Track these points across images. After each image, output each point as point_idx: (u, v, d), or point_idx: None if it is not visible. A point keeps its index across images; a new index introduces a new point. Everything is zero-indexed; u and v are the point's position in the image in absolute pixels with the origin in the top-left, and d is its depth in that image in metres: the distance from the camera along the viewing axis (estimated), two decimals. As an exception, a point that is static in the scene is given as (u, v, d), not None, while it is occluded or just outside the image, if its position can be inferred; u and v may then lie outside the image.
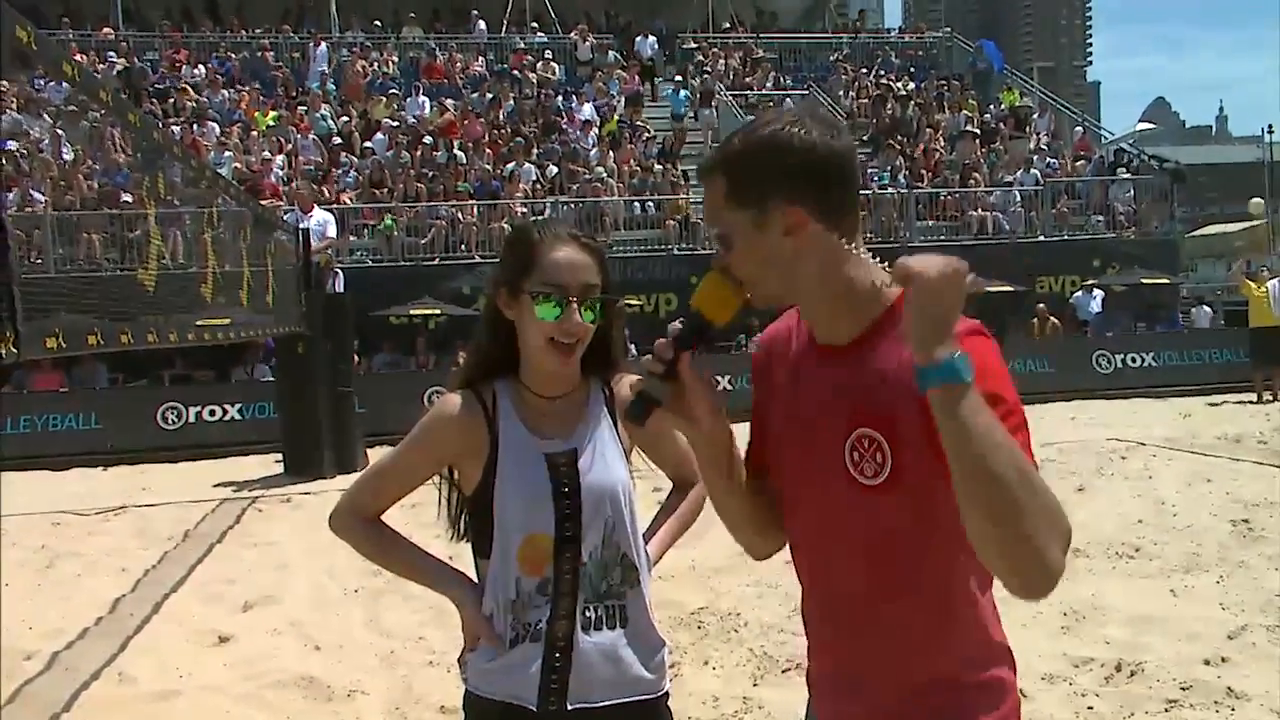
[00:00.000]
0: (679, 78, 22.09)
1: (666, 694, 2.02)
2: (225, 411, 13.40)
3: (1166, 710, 4.07)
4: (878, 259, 1.56)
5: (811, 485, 1.57)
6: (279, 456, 11.44)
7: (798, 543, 1.66)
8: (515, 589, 1.91)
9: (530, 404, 1.97)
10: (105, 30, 22.34)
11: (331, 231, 13.84)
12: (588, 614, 1.91)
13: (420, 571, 2.03)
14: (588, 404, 2.00)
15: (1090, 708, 4.14)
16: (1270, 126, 52.88)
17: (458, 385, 1.99)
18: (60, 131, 17.16)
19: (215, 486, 10.58)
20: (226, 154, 17.78)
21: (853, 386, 1.50)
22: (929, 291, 1.28)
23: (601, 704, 1.90)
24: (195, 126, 18.75)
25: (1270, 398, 14.30)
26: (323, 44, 22.43)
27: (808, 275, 1.51)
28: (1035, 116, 23.24)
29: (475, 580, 1.99)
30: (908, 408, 1.41)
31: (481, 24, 24.41)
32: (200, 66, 21.60)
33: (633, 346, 15.73)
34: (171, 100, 19.65)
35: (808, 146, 1.47)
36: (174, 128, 17.55)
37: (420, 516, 2.19)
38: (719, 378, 12.30)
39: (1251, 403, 14.22)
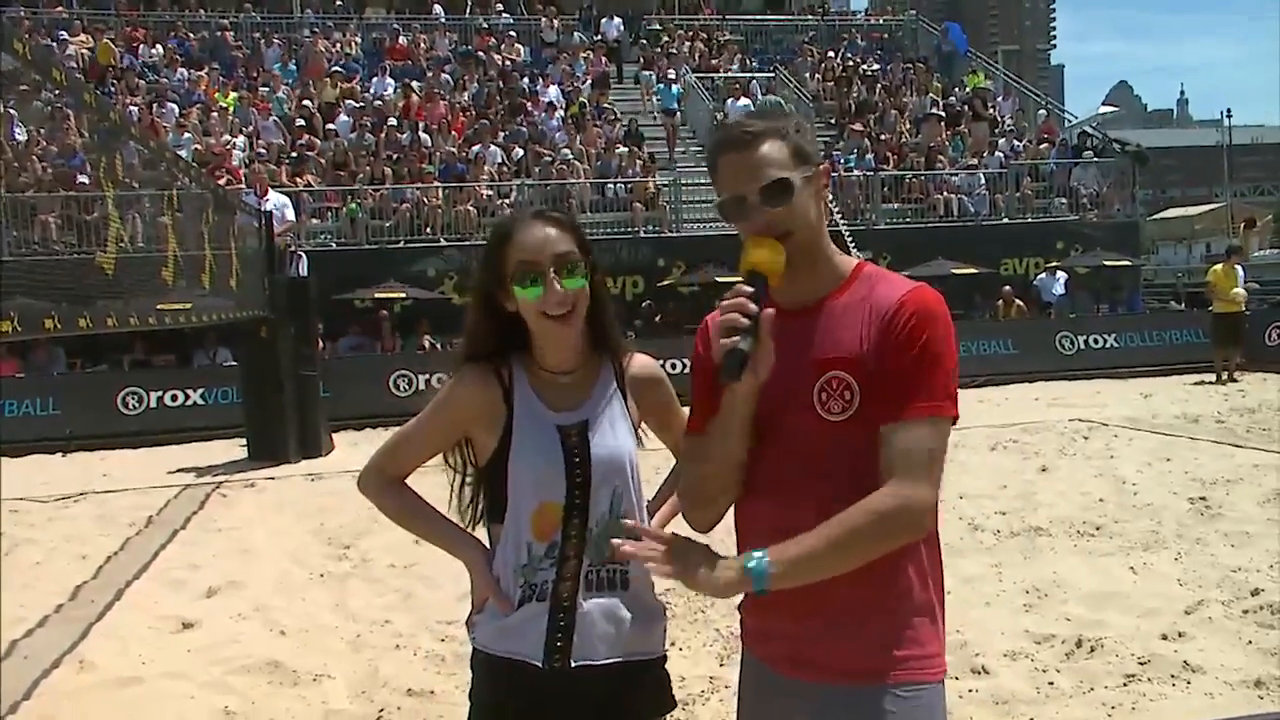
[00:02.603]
0: (671, 73, 21.72)
1: (665, 656, 2.12)
2: (187, 396, 13.22)
3: (1125, 684, 4.14)
4: (849, 236, 1.77)
5: (778, 426, 1.78)
6: (242, 441, 11.33)
7: (757, 482, 1.83)
8: (526, 553, 1.99)
9: (543, 380, 2.06)
10: (60, 9, 21.90)
11: (289, 215, 13.71)
12: (590, 577, 2.00)
13: (437, 534, 2.12)
14: (599, 379, 2.09)
15: (1051, 683, 4.20)
16: (1229, 110, 53.77)
17: (464, 360, 2.07)
18: (12, 111, 16.80)
19: (178, 472, 10.47)
20: (186, 135, 17.51)
21: (819, 339, 1.79)
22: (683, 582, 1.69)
23: (604, 662, 1.99)
24: (154, 107, 18.44)
25: (1228, 378, 14.54)
26: (275, 41, 22.07)
27: (818, 226, 1.85)
28: (1000, 99, 23.37)
29: (487, 545, 2.08)
30: (870, 356, 1.74)
31: (438, 7, 24.11)
32: (158, 46, 21.23)
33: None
34: (123, 80, 19.28)
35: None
36: (132, 108, 17.25)
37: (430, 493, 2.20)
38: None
39: (1210, 383, 14.44)
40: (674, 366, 15.24)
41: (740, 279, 1.75)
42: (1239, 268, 15.34)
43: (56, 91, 7.11)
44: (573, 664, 1.97)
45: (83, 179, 14.43)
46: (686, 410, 2.11)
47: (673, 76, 21.59)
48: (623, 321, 15.53)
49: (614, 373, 2.10)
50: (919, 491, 1.68)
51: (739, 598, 2.01)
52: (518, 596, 1.99)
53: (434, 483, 2.16)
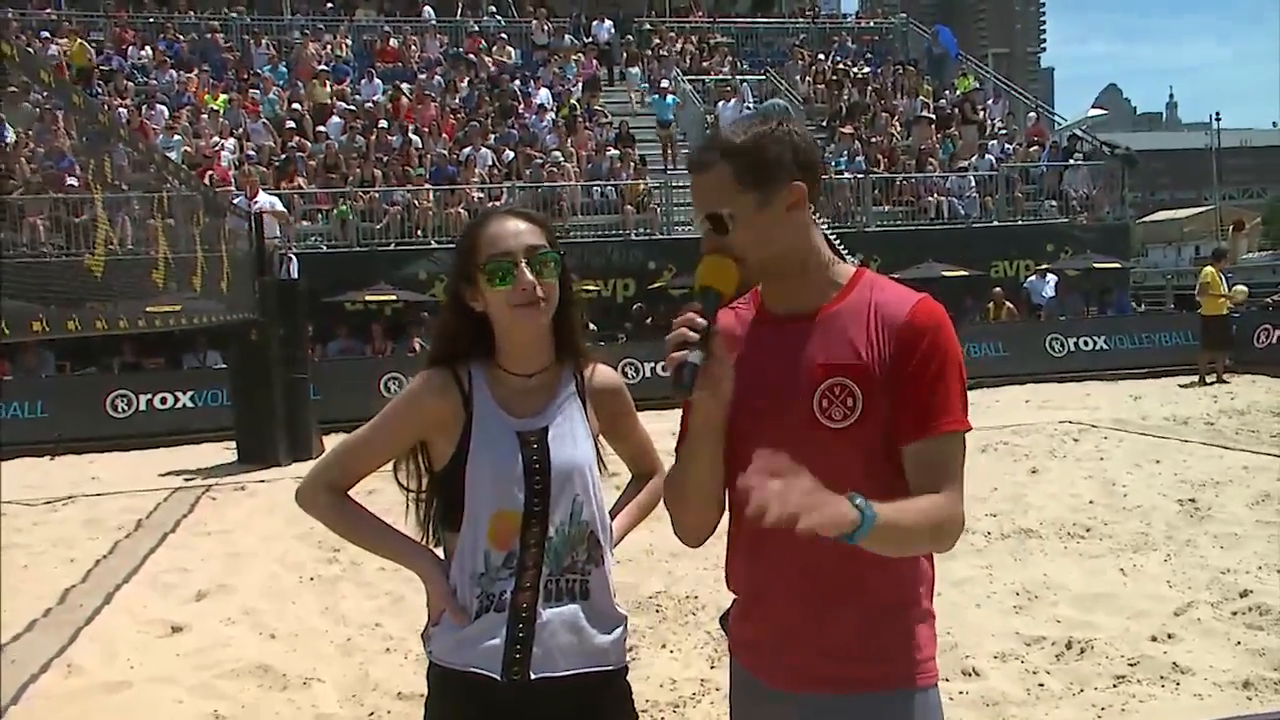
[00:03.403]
0: (665, 83, 21.53)
1: (626, 667, 2.07)
2: (177, 399, 13.18)
3: (1115, 686, 4.15)
4: (835, 237, 1.75)
5: (769, 439, 1.71)
6: (232, 444, 11.29)
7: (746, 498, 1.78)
8: (484, 562, 1.94)
9: (505, 383, 2.01)
10: (49, 11, 21.82)
11: (279, 206, 13.81)
12: (549, 586, 1.95)
13: (387, 545, 2.05)
14: (560, 386, 2.05)
15: (1041, 685, 4.21)
16: (1218, 114, 54.17)
17: (427, 365, 2.03)
18: (0, 114, 16.75)
19: (167, 475, 10.43)
20: (175, 137, 17.45)
21: (820, 346, 1.77)
22: (792, 519, 1.45)
23: (564, 674, 1.93)
24: (143, 109, 18.39)
25: (1217, 380, 14.60)
26: (265, 43, 22.04)
27: (795, 247, 1.80)
28: (990, 102, 23.44)
29: (441, 555, 2.03)
30: (876, 363, 1.73)
31: (429, 9, 24.08)
32: (147, 48, 21.17)
33: (593, 326, 15.76)
34: (111, 82, 19.23)
35: (806, 142, 1.80)
36: (121, 110, 17.19)
37: (378, 502, 2.17)
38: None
39: (1195, 384, 14.50)
40: (665, 370, 15.33)
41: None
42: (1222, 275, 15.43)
43: (45, 93, 7.09)
44: (532, 676, 1.91)
45: (71, 181, 14.39)
46: (644, 418, 2.14)
47: (667, 86, 21.50)
48: (614, 324, 15.36)
49: (576, 381, 2.07)
50: (960, 508, 1.72)
51: (725, 603, 2.01)
52: (475, 608, 1.93)
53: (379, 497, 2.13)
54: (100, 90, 18.55)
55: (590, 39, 24.12)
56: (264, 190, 15.03)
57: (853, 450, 1.72)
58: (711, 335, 1.68)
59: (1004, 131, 22.19)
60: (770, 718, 1.83)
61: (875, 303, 1.77)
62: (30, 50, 17.31)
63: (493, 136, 19.38)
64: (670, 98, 21.04)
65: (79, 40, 19.97)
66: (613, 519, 2.12)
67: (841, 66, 23.99)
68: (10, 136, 16.57)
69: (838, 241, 17.00)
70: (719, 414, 1.75)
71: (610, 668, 2.00)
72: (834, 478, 1.68)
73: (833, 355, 1.75)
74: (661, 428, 2.22)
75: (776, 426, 1.76)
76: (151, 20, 22.46)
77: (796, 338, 1.79)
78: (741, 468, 1.79)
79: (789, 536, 1.71)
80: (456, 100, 20.79)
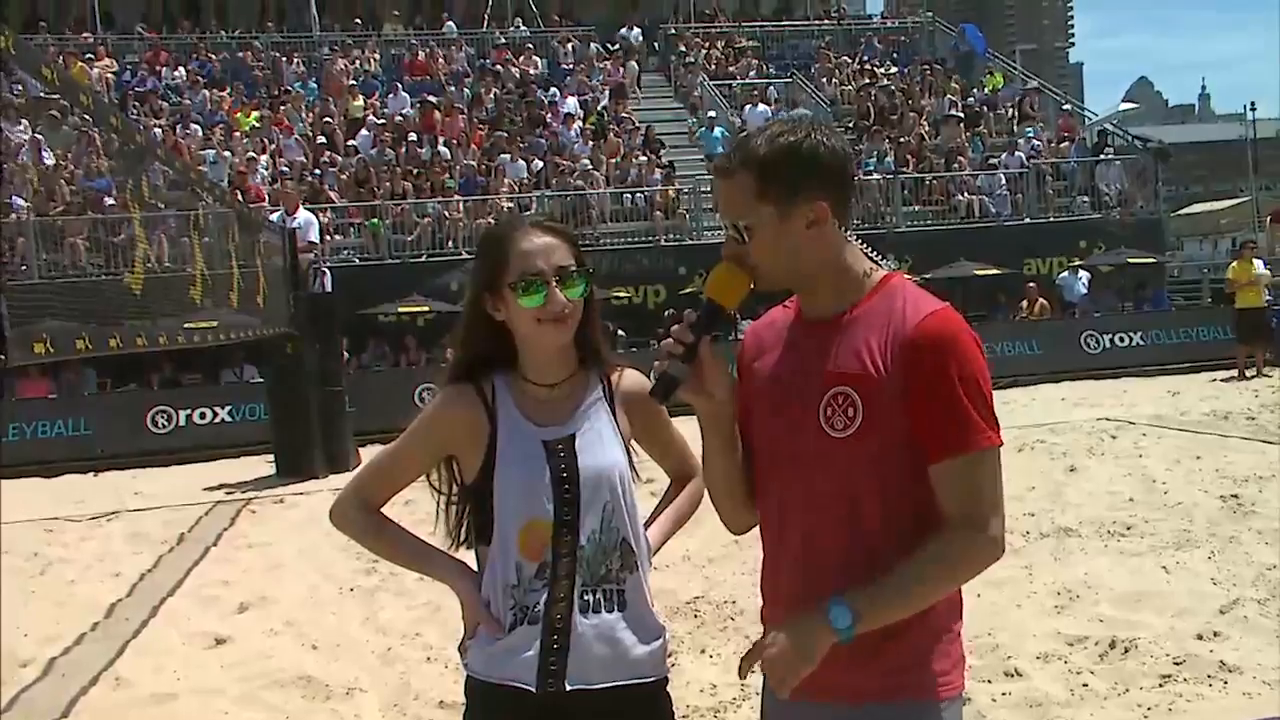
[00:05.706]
0: (712, 114, 21.16)
1: (666, 679, 2.04)
2: (215, 414, 13.36)
3: (1160, 685, 4.10)
4: (865, 245, 1.85)
5: (784, 441, 1.79)
6: (270, 458, 11.41)
7: (765, 494, 1.85)
8: (516, 574, 1.94)
9: (528, 393, 2.01)
10: (85, 34, 22.18)
11: (313, 235, 13.78)
12: (585, 597, 1.94)
13: (420, 561, 2.06)
14: (586, 393, 2.04)
15: (1085, 685, 4.17)
16: (1252, 104, 53.33)
17: (449, 380, 2.03)
18: (39, 136, 17.02)
19: (207, 489, 10.56)
20: (225, 153, 17.71)
21: (832, 353, 1.76)
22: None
23: (600, 686, 1.92)
24: (178, 128, 18.65)
25: (1253, 374, 14.39)
26: (295, 60, 22.30)
27: (817, 261, 1.77)
28: (1019, 99, 23.23)
29: (475, 568, 2.03)
30: (878, 373, 1.70)
31: (450, 24, 24.21)
32: (181, 68, 21.48)
33: (622, 332, 15.76)
34: (148, 105, 19.51)
35: (835, 153, 1.75)
36: (156, 130, 17.45)
37: (415, 512, 2.20)
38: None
39: (1234, 379, 14.30)
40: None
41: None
42: (1256, 261, 15.23)
43: (85, 116, 7.22)
44: (567, 688, 1.90)
45: (109, 201, 14.61)
46: (679, 424, 2.15)
47: (714, 116, 21.05)
48: (646, 331, 15.25)
49: (602, 387, 2.05)
50: (986, 531, 1.69)
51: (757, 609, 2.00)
52: (508, 620, 1.92)
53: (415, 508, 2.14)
54: (136, 110, 18.82)
55: (616, 46, 24.15)
56: (304, 207, 15.12)
57: (858, 460, 1.71)
58: (698, 349, 1.74)
59: (1030, 130, 21.96)
60: None
61: (890, 311, 1.74)
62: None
63: (521, 146, 19.47)
64: (718, 130, 20.68)
65: (78, 64, 20.00)
66: (650, 525, 2.11)
67: (868, 68, 23.88)
68: (50, 159, 16.84)
69: (864, 246, 16.93)
70: (720, 414, 1.81)
71: (648, 679, 1.98)
72: (844, 487, 1.73)
73: (839, 363, 1.73)
74: (697, 433, 2.22)
75: (788, 431, 1.78)
76: (185, 40, 22.77)
77: (815, 343, 1.78)
78: (760, 469, 1.85)
79: (795, 547, 1.77)
80: (484, 111, 20.90)
